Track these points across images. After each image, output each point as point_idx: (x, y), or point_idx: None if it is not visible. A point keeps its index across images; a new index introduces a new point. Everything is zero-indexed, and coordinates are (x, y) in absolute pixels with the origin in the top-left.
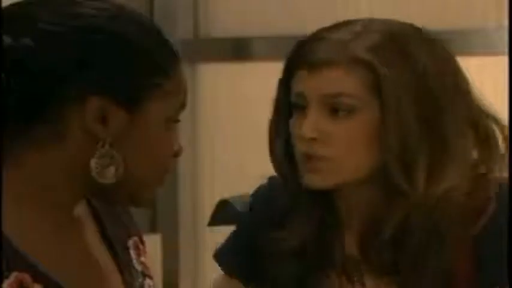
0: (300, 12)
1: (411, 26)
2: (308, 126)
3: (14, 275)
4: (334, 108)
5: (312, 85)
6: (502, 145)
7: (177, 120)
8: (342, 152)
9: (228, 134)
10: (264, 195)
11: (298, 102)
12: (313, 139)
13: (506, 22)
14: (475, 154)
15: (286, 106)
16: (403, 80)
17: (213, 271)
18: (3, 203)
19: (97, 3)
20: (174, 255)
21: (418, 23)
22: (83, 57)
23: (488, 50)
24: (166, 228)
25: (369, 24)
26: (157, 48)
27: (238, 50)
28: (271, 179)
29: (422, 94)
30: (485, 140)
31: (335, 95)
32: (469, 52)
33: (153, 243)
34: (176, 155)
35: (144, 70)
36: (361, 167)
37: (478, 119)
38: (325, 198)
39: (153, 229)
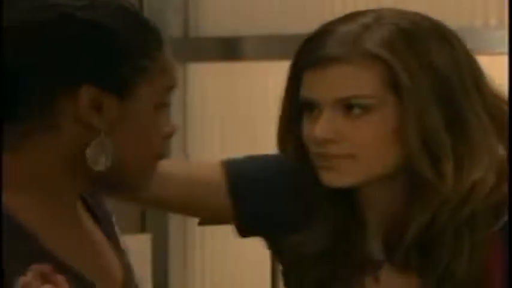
0: (290, 12)
1: (423, 17)
2: (322, 127)
3: (34, 267)
4: (349, 106)
5: (324, 88)
6: None
7: (167, 104)
8: (359, 149)
9: (218, 133)
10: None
11: (309, 103)
12: (327, 140)
13: (493, 21)
14: (501, 149)
15: (296, 104)
16: (420, 74)
17: (203, 271)
18: (6, 192)
19: None
20: (163, 255)
21: None
22: (66, 48)
23: (475, 49)
24: (156, 228)
25: (379, 16)
26: (137, 31)
27: (229, 49)
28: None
29: (439, 88)
30: (505, 132)
31: (348, 98)
32: None
33: (143, 243)
34: (168, 136)
35: (127, 54)
36: (381, 164)
37: (496, 111)
38: (345, 196)
39: (143, 229)
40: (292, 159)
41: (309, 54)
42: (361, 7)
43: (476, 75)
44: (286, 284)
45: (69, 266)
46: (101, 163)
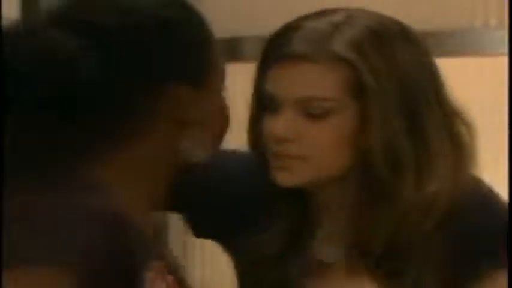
0: (291, 13)
1: (394, 22)
2: (281, 126)
3: (153, 264)
4: (309, 106)
5: (285, 86)
6: (469, 145)
7: (224, 89)
8: (315, 151)
9: None
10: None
11: (271, 101)
12: (286, 139)
13: (493, 21)
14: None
15: (262, 103)
16: (385, 77)
17: (203, 271)
18: (117, 192)
19: None
20: None
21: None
22: (158, 49)
23: (475, 49)
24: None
25: (349, 16)
26: (201, 24)
27: (230, 50)
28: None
29: (403, 93)
30: (457, 141)
31: (308, 98)
32: (457, 53)
33: None
34: (228, 119)
35: (201, 48)
36: (333, 165)
37: (451, 121)
38: (300, 196)
39: None
40: (256, 158)
41: (274, 50)
42: (365, 7)
43: (438, 85)
44: (243, 286)
45: (175, 266)
46: (196, 156)
